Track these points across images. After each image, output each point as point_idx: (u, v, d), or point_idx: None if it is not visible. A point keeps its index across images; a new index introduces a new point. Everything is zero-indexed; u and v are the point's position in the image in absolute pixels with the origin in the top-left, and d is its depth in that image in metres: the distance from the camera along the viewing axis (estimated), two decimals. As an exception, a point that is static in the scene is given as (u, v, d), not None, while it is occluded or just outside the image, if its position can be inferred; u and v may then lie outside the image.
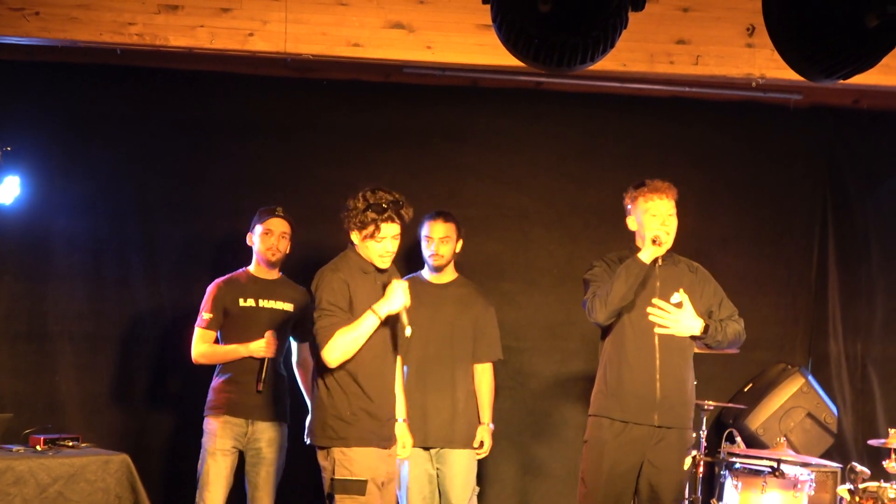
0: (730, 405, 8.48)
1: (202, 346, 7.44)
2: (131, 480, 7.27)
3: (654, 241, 6.57)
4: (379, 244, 6.35)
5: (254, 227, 7.52)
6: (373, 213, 6.29)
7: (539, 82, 8.66)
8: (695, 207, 8.79)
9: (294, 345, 7.63)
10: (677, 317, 6.62)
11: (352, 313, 6.28)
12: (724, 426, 8.41)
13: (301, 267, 7.52)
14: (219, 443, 7.32)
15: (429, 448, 7.58)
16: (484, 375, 7.73)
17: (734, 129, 9.07)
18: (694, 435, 6.97)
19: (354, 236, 6.38)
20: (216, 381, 7.44)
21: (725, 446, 7.69)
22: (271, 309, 7.48)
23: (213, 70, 8.37)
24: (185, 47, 7.06)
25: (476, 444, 7.64)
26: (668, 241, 6.66)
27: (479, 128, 8.90)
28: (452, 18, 7.15)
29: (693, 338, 6.72)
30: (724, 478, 7.64)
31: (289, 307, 7.53)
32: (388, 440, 6.46)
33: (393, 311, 6.31)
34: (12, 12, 6.90)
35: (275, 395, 7.41)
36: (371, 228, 6.30)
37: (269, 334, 7.33)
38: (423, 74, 8.33)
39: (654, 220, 6.66)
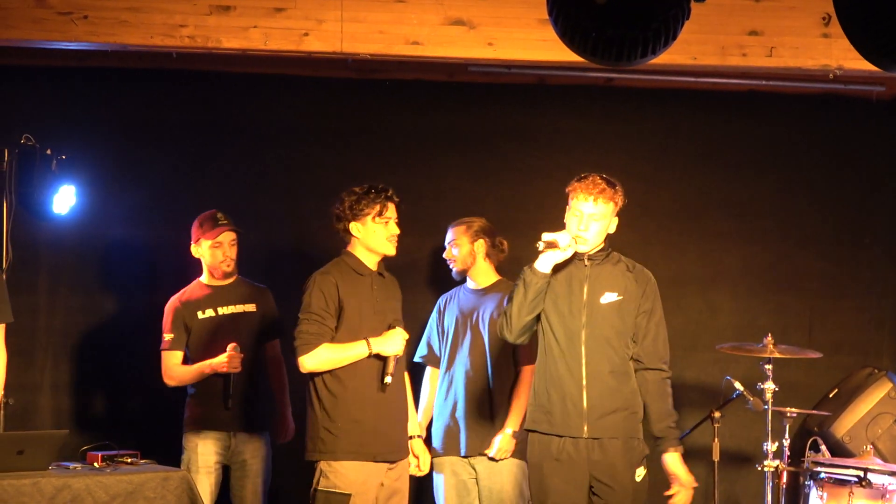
0: (813, 412, 8.21)
1: (170, 369, 7.29)
2: (192, 497, 7.07)
3: (548, 245, 5.99)
4: (387, 226, 6.37)
5: (198, 241, 7.28)
6: (376, 193, 6.35)
7: (610, 78, 8.43)
8: (772, 207, 8.68)
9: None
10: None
11: (342, 317, 6.33)
12: (807, 434, 8.15)
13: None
14: (202, 460, 7.20)
15: (467, 456, 7.35)
16: (524, 378, 7.32)
17: (813, 124, 8.78)
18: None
19: (357, 227, 6.36)
20: (189, 398, 7.31)
21: (809, 455, 7.45)
22: (232, 314, 7.29)
23: (269, 73, 8.21)
24: (238, 49, 6.99)
25: (490, 449, 7.25)
26: (583, 243, 6.12)
27: (546, 128, 8.67)
28: (514, 13, 7.06)
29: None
30: (809, 488, 7.40)
31: (251, 307, 7.34)
32: (387, 453, 6.36)
33: (384, 353, 6.30)
34: (60, 16, 6.82)
35: (250, 405, 7.25)
36: (378, 207, 6.33)
37: (230, 347, 7.10)
38: (489, 73, 8.20)
39: (573, 219, 6.12)
